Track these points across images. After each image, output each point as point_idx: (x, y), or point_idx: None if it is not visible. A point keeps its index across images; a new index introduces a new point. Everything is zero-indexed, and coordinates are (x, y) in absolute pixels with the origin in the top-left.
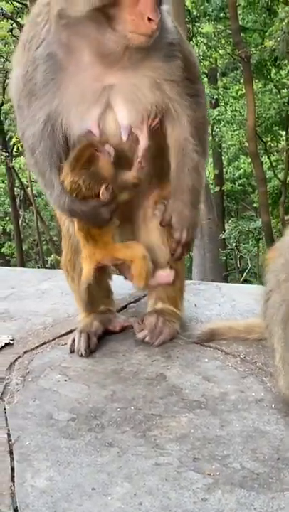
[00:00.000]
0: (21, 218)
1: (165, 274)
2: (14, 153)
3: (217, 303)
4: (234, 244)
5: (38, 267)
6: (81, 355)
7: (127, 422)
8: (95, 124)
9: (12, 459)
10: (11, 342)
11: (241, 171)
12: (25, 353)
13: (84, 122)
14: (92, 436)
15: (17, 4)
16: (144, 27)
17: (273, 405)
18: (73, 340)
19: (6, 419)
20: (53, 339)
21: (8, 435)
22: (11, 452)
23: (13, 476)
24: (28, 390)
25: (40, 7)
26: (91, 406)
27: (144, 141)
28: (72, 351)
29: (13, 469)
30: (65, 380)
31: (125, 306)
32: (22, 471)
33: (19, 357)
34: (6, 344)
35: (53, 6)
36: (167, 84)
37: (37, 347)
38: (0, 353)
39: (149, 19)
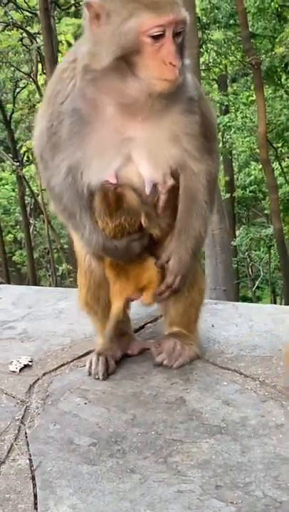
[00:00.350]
0: (32, 227)
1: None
2: (25, 162)
3: (234, 323)
4: (245, 252)
5: (49, 276)
6: (98, 379)
7: (148, 448)
8: (113, 175)
9: (34, 485)
10: (30, 364)
11: (252, 177)
12: (44, 374)
13: (103, 174)
14: (113, 462)
15: (27, 13)
16: (167, 72)
17: None
18: (91, 363)
19: (28, 444)
20: (72, 360)
21: (30, 460)
22: (33, 478)
23: (36, 503)
24: (48, 413)
25: (66, 63)
26: (112, 431)
27: (163, 195)
28: (90, 374)
29: (35, 496)
30: (85, 403)
31: (143, 327)
32: (45, 498)
33: (38, 379)
34: (26, 365)
35: (79, 62)
36: (185, 138)
37: (56, 369)
38: (19, 375)
39: (171, 64)
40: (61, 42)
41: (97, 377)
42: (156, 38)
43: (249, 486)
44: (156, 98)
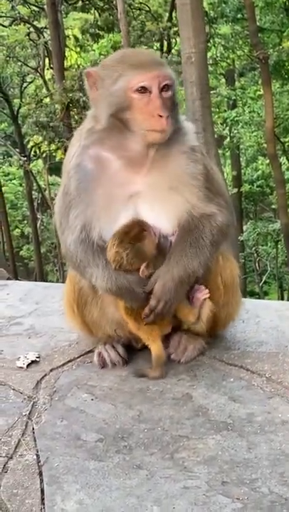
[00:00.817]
0: (39, 221)
1: (199, 293)
2: (32, 156)
3: (241, 319)
4: (253, 247)
5: (56, 270)
6: (115, 365)
7: (154, 444)
8: None
9: (42, 480)
10: (37, 359)
11: (259, 172)
12: (51, 370)
13: (113, 228)
14: (120, 458)
15: (34, 8)
16: (155, 123)
17: None
18: (99, 355)
19: (35, 440)
20: (79, 356)
21: (37, 456)
22: (40, 474)
23: (43, 499)
24: (55, 409)
25: (77, 131)
26: (118, 427)
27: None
28: (102, 366)
29: (42, 491)
30: (92, 400)
31: None
32: (52, 493)
33: (45, 375)
34: (33, 361)
35: (85, 126)
36: (189, 189)
37: (63, 365)
38: (27, 371)
39: (158, 115)
40: (68, 36)
41: (114, 363)
42: (143, 92)
43: (255, 483)
44: (156, 150)
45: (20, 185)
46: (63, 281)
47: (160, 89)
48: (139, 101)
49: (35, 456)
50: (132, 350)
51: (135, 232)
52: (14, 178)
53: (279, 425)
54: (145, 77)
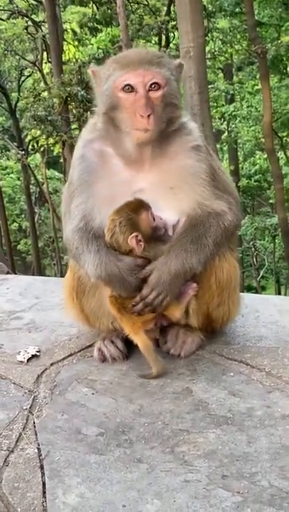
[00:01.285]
0: (37, 216)
1: (189, 288)
2: (30, 150)
3: (240, 314)
4: (250, 242)
5: (54, 264)
6: (115, 360)
7: (155, 438)
8: None
9: (43, 474)
10: (38, 354)
11: (257, 166)
12: (51, 365)
13: None
14: (121, 452)
15: (32, 1)
16: (138, 122)
17: None
18: (99, 350)
19: (36, 434)
20: (79, 351)
21: (39, 449)
22: (41, 467)
23: (44, 492)
24: (56, 403)
25: (85, 126)
26: (119, 421)
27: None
28: (103, 361)
29: (44, 485)
30: (93, 394)
31: None
32: (53, 487)
33: (46, 369)
34: (33, 356)
35: (91, 121)
36: (192, 188)
37: (63, 359)
38: (27, 365)
39: (140, 115)
40: (66, 30)
41: (113, 358)
42: (130, 92)
43: (255, 476)
44: (152, 148)
45: (18, 179)
46: (62, 276)
47: (148, 89)
48: (126, 100)
49: (36, 450)
50: (132, 345)
51: (133, 205)
52: (12, 172)
53: (279, 419)
54: (129, 75)
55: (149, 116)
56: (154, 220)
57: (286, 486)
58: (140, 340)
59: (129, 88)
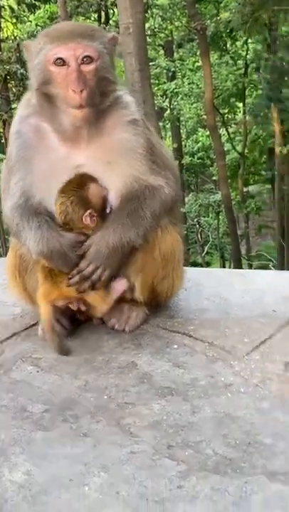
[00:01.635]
0: None
1: (119, 285)
2: None
3: (184, 287)
4: (195, 218)
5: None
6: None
7: (100, 412)
8: None
9: None
10: None
11: (200, 144)
12: None
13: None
14: (66, 427)
15: None
16: (70, 98)
17: (242, 389)
18: (43, 329)
19: None
20: (23, 330)
21: None
22: None
23: None
24: (0, 382)
25: (20, 101)
26: (64, 396)
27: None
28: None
29: None
30: (37, 372)
31: None
32: None
33: None
34: None
35: (24, 98)
36: (128, 163)
37: (7, 338)
38: None
39: (72, 90)
40: (4, 7)
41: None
42: (62, 65)
43: (200, 445)
44: (90, 124)
45: None
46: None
47: (80, 62)
48: (58, 74)
49: None
50: (77, 322)
51: (77, 181)
52: None
53: (222, 388)
54: (60, 48)
55: (82, 91)
56: (105, 189)
57: (230, 453)
58: (44, 312)
59: (61, 61)
